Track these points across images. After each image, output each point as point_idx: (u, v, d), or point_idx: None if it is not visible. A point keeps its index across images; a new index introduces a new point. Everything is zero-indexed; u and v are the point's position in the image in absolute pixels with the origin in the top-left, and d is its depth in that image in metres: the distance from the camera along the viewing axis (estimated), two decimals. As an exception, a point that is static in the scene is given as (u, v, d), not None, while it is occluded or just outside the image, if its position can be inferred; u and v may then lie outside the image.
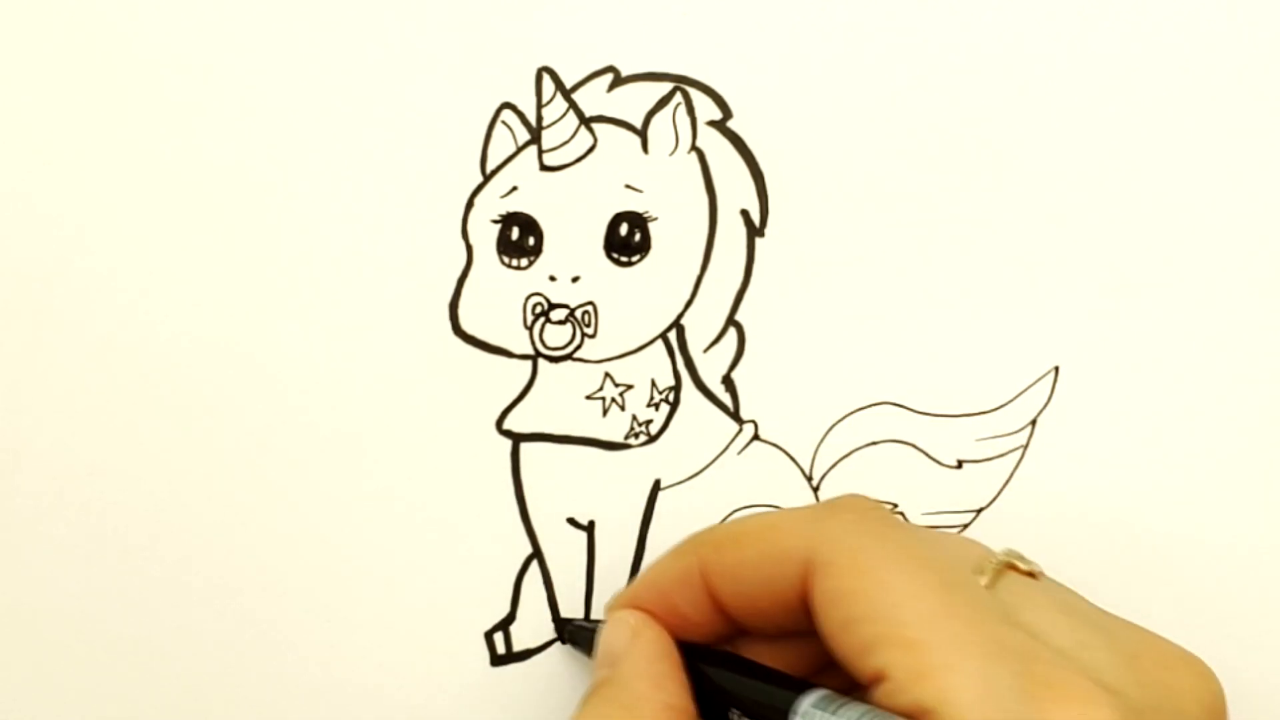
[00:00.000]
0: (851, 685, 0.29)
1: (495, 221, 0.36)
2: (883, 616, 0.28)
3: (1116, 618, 0.31)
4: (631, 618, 0.33)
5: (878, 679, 0.28)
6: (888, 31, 0.36)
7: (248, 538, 0.36)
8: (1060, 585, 0.32)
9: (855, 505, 0.32)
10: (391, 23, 0.36)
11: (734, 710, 0.31)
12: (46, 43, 0.36)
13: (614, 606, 0.34)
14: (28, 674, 0.37)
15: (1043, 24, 0.36)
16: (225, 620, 0.37)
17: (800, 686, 0.30)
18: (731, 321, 0.36)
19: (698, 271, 0.36)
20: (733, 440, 0.37)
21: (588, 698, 0.32)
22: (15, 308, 0.36)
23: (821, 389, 0.36)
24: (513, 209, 0.36)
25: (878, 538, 0.30)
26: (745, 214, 0.36)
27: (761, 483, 0.37)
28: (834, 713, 0.29)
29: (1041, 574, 0.32)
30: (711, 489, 0.37)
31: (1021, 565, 0.31)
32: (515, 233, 0.36)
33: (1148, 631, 0.31)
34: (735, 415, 0.37)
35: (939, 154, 0.36)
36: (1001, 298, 0.36)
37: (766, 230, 0.36)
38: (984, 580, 0.30)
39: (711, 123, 0.36)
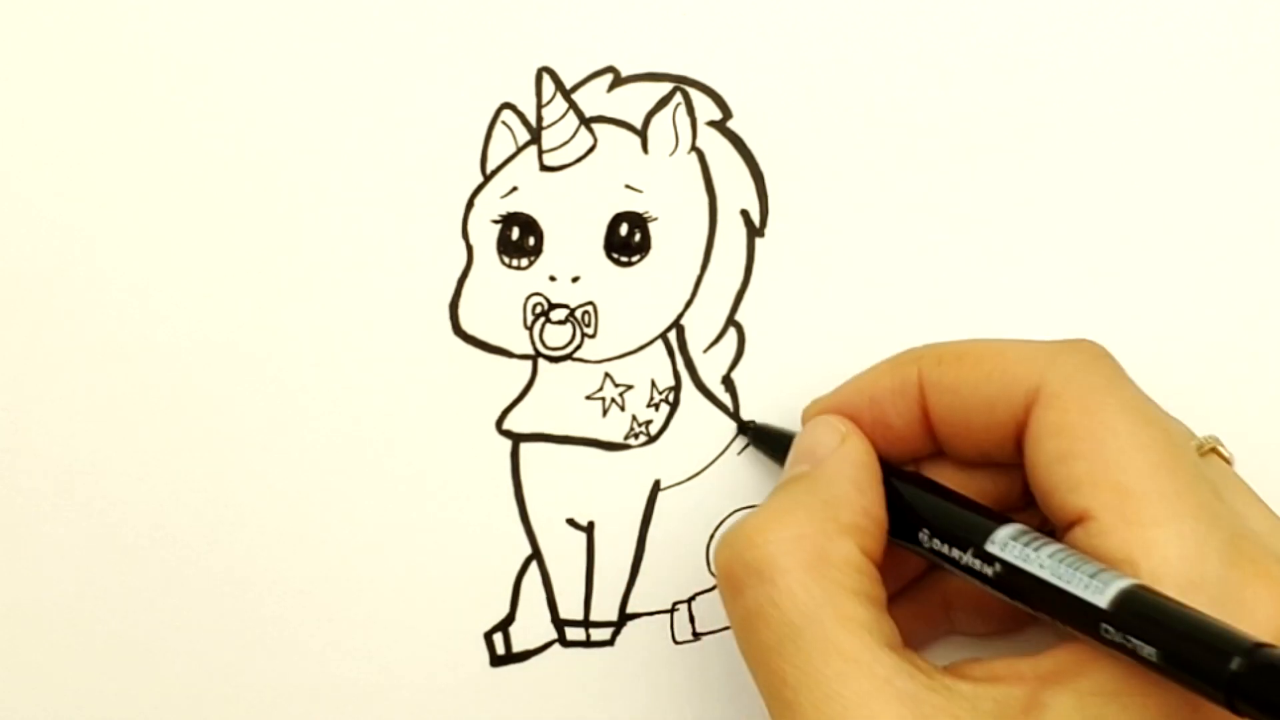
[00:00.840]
0: (1041, 527, 0.30)
1: (495, 221, 0.36)
2: (1102, 458, 0.28)
3: None
4: (840, 424, 0.33)
5: (1082, 518, 0.28)
6: (887, 31, 0.36)
7: (248, 537, 0.36)
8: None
9: (1089, 349, 0.32)
10: (392, 23, 0.36)
11: (925, 531, 0.31)
12: (47, 43, 0.36)
13: (817, 409, 0.34)
14: (28, 674, 0.37)
15: (1042, 23, 0.36)
16: (225, 620, 0.37)
17: (998, 519, 0.30)
18: (731, 321, 0.36)
19: (698, 271, 0.36)
20: (733, 440, 0.37)
21: (784, 485, 0.32)
22: (15, 308, 0.36)
23: (821, 389, 0.36)
24: (513, 209, 0.36)
25: (1109, 381, 0.30)
26: (745, 214, 0.36)
27: (762, 483, 0.37)
28: (1034, 548, 0.29)
29: (1233, 462, 0.32)
30: (711, 489, 0.37)
31: (1223, 451, 0.32)
32: (515, 233, 0.36)
33: None
34: (735, 415, 0.37)
35: (938, 154, 0.36)
36: (1001, 298, 0.36)
37: (766, 230, 0.36)
38: (1197, 451, 0.31)
39: (711, 123, 0.36)
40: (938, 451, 0.33)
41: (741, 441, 0.37)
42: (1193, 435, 0.32)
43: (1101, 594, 0.27)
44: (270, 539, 0.36)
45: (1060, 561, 0.28)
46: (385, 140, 0.36)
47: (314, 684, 0.37)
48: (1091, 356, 0.31)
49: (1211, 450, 0.32)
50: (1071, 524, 0.29)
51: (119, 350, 0.36)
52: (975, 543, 0.30)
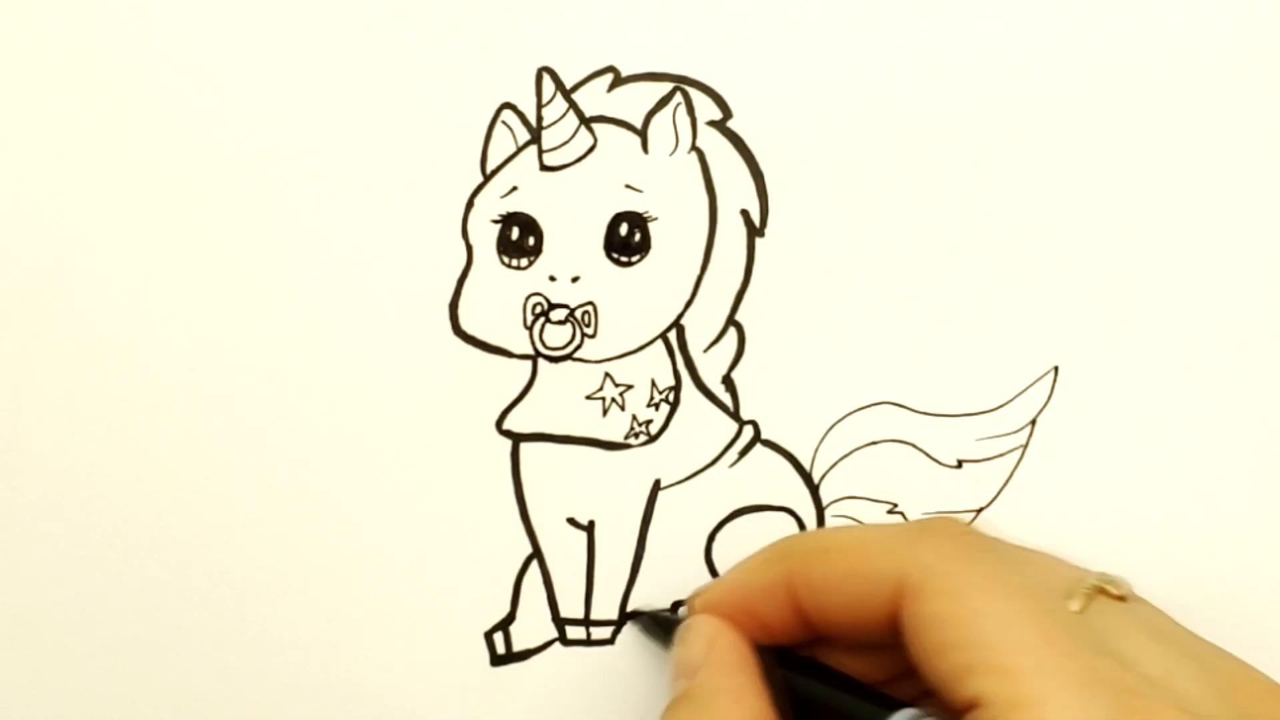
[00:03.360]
0: (923, 694, 0.30)
1: (495, 221, 0.36)
2: (978, 643, 0.29)
3: (1208, 644, 0.31)
4: (706, 625, 0.33)
5: (972, 705, 0.28)
6: (888, 32, 0.36)
7: (248, 538, 0.36)
8: (1151, 607, 0.32)
9: (948, 528, 0.32)
10: (392, 23, 0.35)
11: None
12: (48, 44, 0.36)
13: (692, 607, 0.34)
14: (28, 674, 0.37)
15: (1042, 25, 0.36)
16: (225, 620, 0.37)
17: (890, 703, 0.31)
18: (731, 321, 0.36)
19: (698, 271, 0.36)
20: (733, 440, 0.37)
21: (667, 712, 0.32)
22: (16, 308, 0.36)
23: (821, 389, 0.37)
24: (513, 209, 0.36)
25: (971, 562, 0.30)
26: (745, 214, 0.36)
27: (761, 483, 0.37)
28: None
29: (1131, 595, 0.32)
30: (711, 489, 0.37)
31: (1112, 589, 0.32)
32: (515, 233, 0.36)
33: (1239, 660, 0.31)
34: (735, 415, 0.37)
35: (939, 154, 0.36)
36: (1001, 298, 0.36)
37: (766, 230, 0.36)
38: (1075, 605, 0.31)
39: (711, 123, 0.36)
40: (818, 639, 0.33)
41: (742, 441, 0.37)
42: (1080, 577, 0.32)
43: None
44: (270, 539, 0.36)
45: None
46: (385, 140, 0.36)
47: (314, 684, 0.37)
48: (949, 537, 0.31)
49: (1100, 591, 0.31)
50: (965, 709, 0.29)
51: (119, 350, 0.36)
52: None
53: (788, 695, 0.32)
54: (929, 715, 0.30)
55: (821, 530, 0.35)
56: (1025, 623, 0.29)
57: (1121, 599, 0.32)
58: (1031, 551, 0.34)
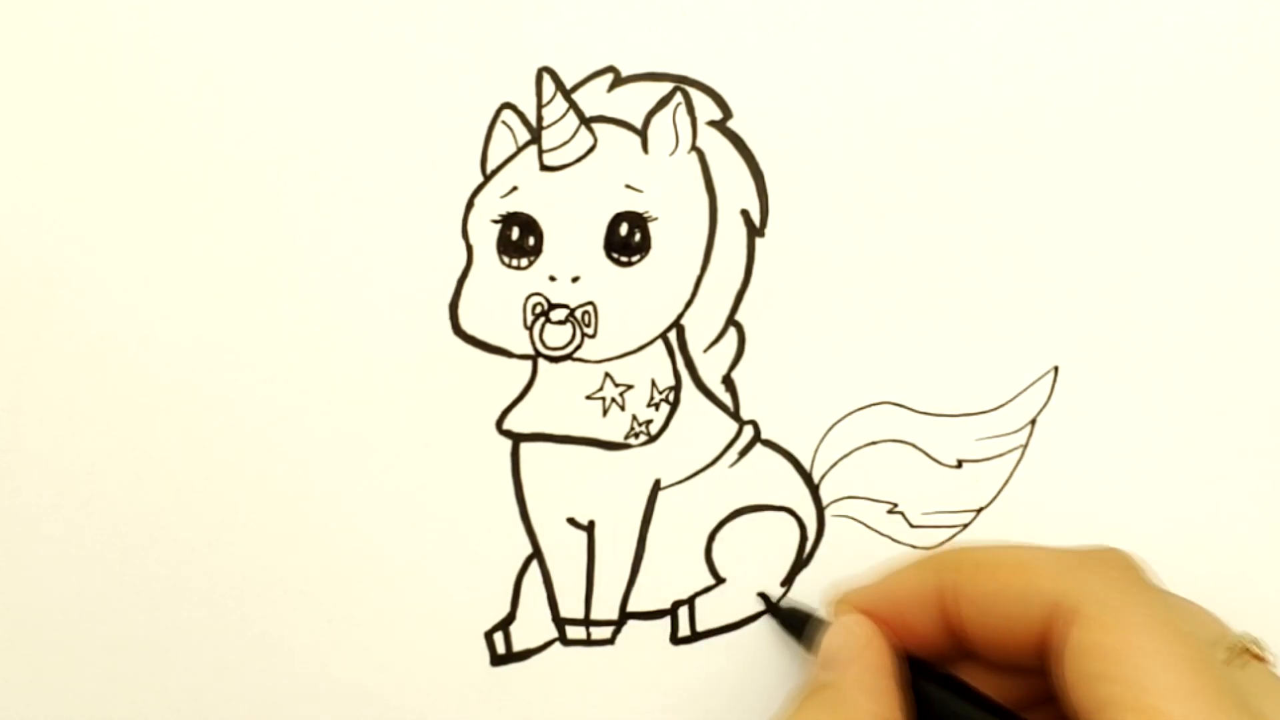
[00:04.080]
0: None
1: (495, 221, 0.36)
2: (1130, 679, 0.29)
3: None
4: (861, 627, 0.34)
5: None
6: (887, 32, 0.36)
7: (248, 538, 0.36)
8: None
9: (1112, 559, 0.32)
10: (392, 23, 0.35)
11: None
12: (48, 45, 0.36)
13: (842, 607, 0.35)
14: (28, 674, 0.37)
15: (1042, 26, 0.36)
16: (225, 620, 0.37)
17: None
18: (731, 321, 0.36)
19: (698, 271, 0.36)
20: (733, 440, 0.37)
21: (805, 699, 0.33)
22: (16, 308, 0.36)
23: (821, 389, 0.37)
24: (513, 209, 0.36)
25: (1134, 597, 0.30)
26: (745, 214, 0.36)
27: (761, 483, 0.37)
28: None
29: (1270, 660, 0.32)
30: (711, 489, 0.37)
31: (1256, 650, 0.32)
32: (515, 233, 0.36)
33: None
34: (735, 415, 0.37)
35: (939, 154, 0.36)
36: (1001, 298, 0.36)
37: (766, 230, 0.36)
38: (1222, 658, 0.31)
39: (711, 123, 0.36)
40: (963, 655, 0.34)
41: (742, 441, 0.37)
42: (1227, 634, 0.32)
43: None
44: (271, 539, 0.36)
45: None
46: (385, 140, 0.36)
47: (314, 684, 0.37)
48: (1118, 569, 0.32)
49: (1244, 651, 0.32)
50: None
51: (119, 350, 0.36)
52: None
53: (923, 707, 0.33)
54: None
55: (981, 545, 0.35)
56: (1180, 668, 0.29)
57: (1263, 660, 0.32)
58: (1184, 599, 0.34)
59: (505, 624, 0.37)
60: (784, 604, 0.37)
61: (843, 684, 0.33)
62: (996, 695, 0.33)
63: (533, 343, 0.36)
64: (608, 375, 0.36)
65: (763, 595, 0.37)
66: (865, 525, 0.37)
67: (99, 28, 0.35)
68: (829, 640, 0.34)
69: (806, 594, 0.37)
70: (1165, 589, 0.33)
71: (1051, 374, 0.37)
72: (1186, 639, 0.30)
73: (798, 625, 0.36)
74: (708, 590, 0.37)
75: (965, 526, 0.37)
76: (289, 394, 0.36)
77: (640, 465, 0.37)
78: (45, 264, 0.36)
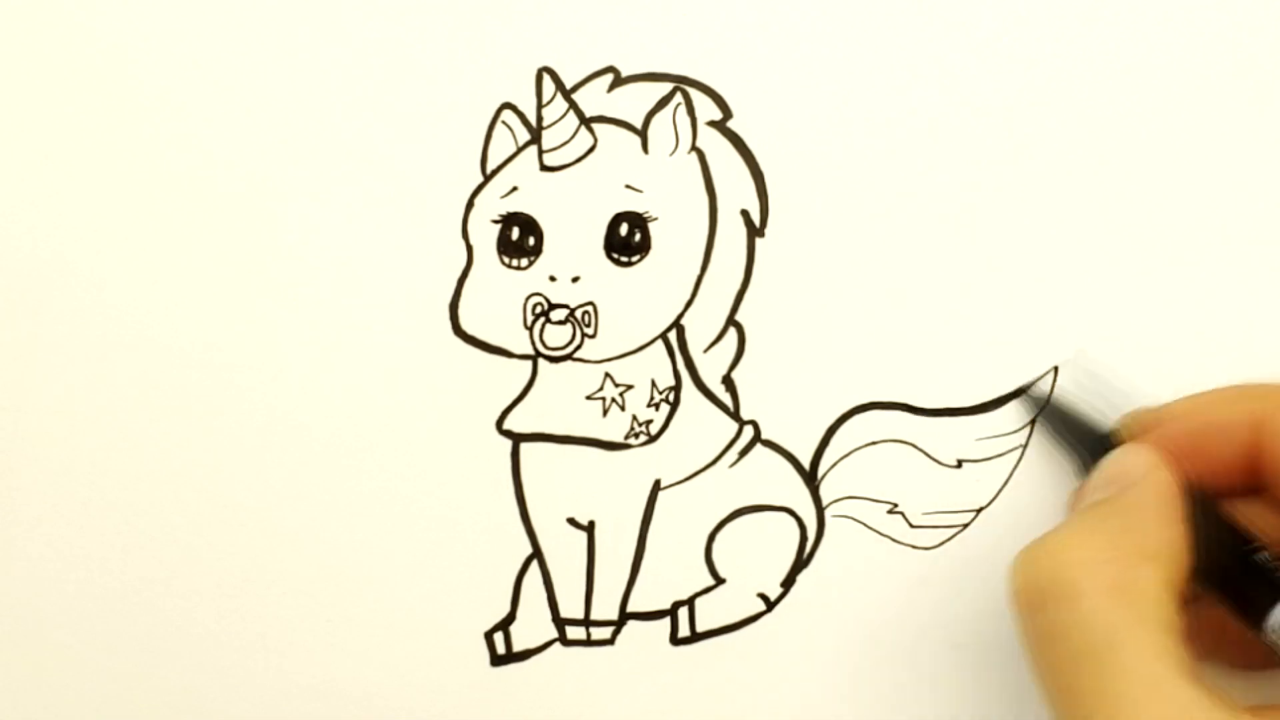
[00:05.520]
0: None
1: (495, 221, 0.36)
2: None
3: None
4: (1151, 454, 0.32)
5: None
6: (887, 32, 0.36)
7: (248, 538, 0.36)
8: None
9: None
10: (392, 23, 0.35)
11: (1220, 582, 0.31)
12: (49, 45, 0.36)
13: (1137, 427, 0.34)
14: (28, 674, 0.37)
15: (1042, 23, 0.36)
16: (226, 620, 0.37)
17: None
18: (731, 321, 0.36)
19: (698, 271, 0.36)
20: (733, 440, 0.37)
21: (1088, 509, 0.32)
22: (16, 308, 0.36)
23: (821, 389, 0.36)
24: (513, 209, 0.36)
25: None
26: (745, 214, 0.36)
27: (761, 483, 0.37)
28: None
29: None
30: (711, 489, 0.37)
31: None
32: (515, 233, 0.36)
33: None
34: (735, 415, 0.37)
35: (939, 154, 0.36)
36: (1001, 297, 0.36)
37: (766, 230, 0.36)
38: None
39: (711, 123, 0.36)
40: (1253, 489, 0.33)
41: (742, 441, 0.37)
42: None
43: None
44: (270, 539, 0.36)
45: None
46: (385, 140, 0.36)
47: (314, 684, 0.37)
48: None
49: None
50: None
51: (120, 350, 0.36)
52: (1256, 621, 0.30)
53: (1205, 547, 0.31)
54: None
55: None
56: None
57: None
58: None
59: (505, 624, 0.37)
60: (1060, 405, 0.35)
61: (1130, 500, 0.31)
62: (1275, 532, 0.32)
63: (533, 343, 0.36)
64: (608, 375, 0.36)
65: (1030, 392, 0.35)
66: (865, 525, 0.37)
67: (100, 28, 0.36)
68: (1107, 465, 0.33)
69: (807, 594, 0.37)
70: None
71: (1052, 373, 0.37)
72: None
73: (1073, 431, 0.35)
74: (708, 590, 0.37)
75: (965, 526, 0.37)
76: (289, 394, 0.36)
77: (640, 465, 0.37)
78: (46, 264, 0.36)
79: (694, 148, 0.36)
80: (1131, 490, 0.32)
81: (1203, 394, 0.34)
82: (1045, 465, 0.37)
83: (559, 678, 0.37)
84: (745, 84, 0.36)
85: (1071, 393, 0.36)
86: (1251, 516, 0.33)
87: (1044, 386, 0.36)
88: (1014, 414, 0.37)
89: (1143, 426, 0.34)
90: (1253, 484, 0.33)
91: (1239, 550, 0.32)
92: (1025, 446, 0.37)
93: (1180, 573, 0.31)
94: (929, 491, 0.37)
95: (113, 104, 0.36)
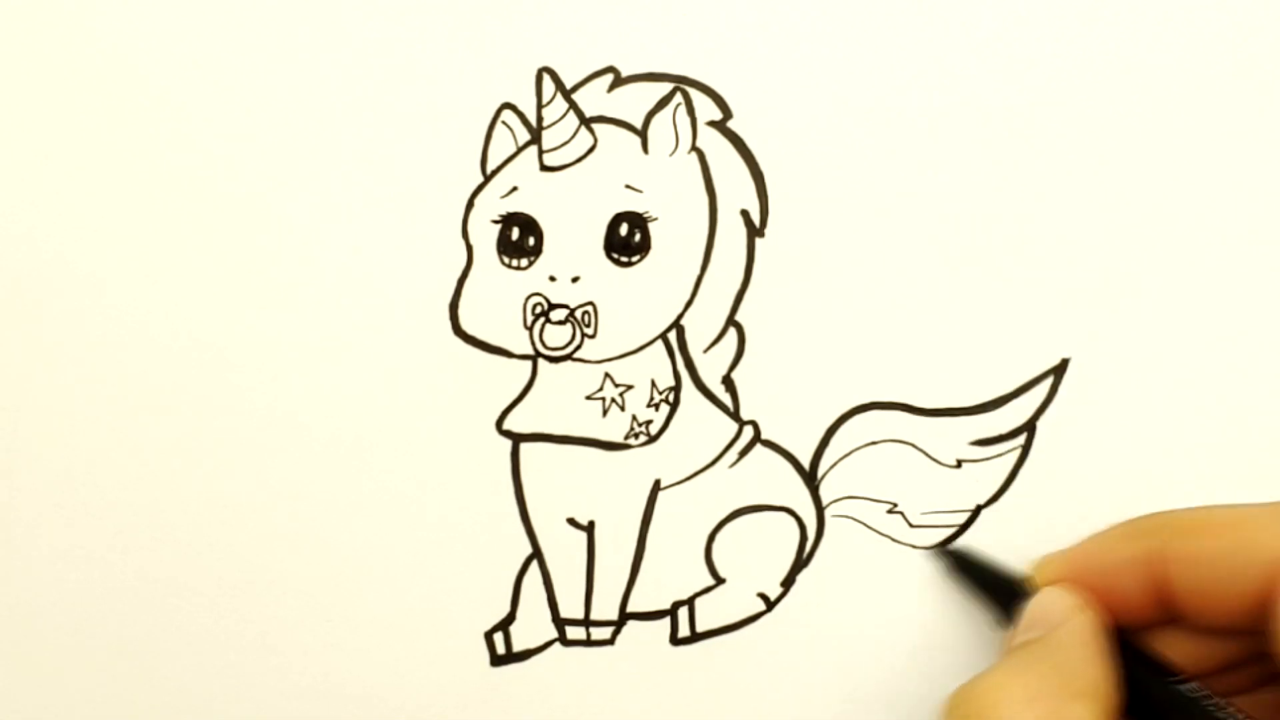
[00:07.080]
0: (1259, 683, 0.30)
1: (495, 222, 0.36)
2: None
3: None
4: (1073, 596, 0.33)
5: None
6: (887, 31, 0.36)
7: (248, 538, 0.36)
8: None
9: None
10: (392, 23, 0.35)
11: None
12: (49, 45, 0.36)
13: (1049, 572, 0.34)
14: (28, 674, 0.37)
15: (1042, 23, 0.36)
16: (225, 620, 0.37)
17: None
18: (731, 321, 0.36)
19: (698, 271, 0.36)
20: (733, 440, 0.37)
21: (1017, 649, 0.32)
22: (16, 308, 0.36)
23: (821, 389, 0.36)
24: (513, 209, 0.36)
25: None
26: (745, 214, 0.36)
27: (761, 483, 0.37)
28: None
29: None
30: (711, 489, 0.37)
31: None
32: (515, 233, 0.36)
33: None
34: (735, 415, 0.37)
35: (939, 153, 0.36)
36: (1001, 297, 0.36)
37: (766, 230, 0.36)
38: None
39: (711, 123, 0.36)
40: (1166, 620, 0.33)
41: (742, 441, 0.37)
42: None
43: None
44: (270, 539, 0.36)
45: None
46: (385, 140, 0.36)
47: (314, 684, 0.37)
48: None
49: None
50: None
51: (119, 350, 0.36)
52: None
53: (1131, 686, 0.32)
54: None
55: (1189, 508, 0.34)
56: None
57: None
58: None
59: (505, 624, 0.37)
60: (960, 551, 0.36)
61: (1057, 640, 0.32)
62: (1199, 660, 0.33)
63: (533, 343, 0.36)
64: (608, 375, 0.36)
65: (941, 547, 0.36)
66: (865, 525, 0.37)
67: (100, 28, 0.36)
68: (1033, 607, 0.33)
69: (807, 594, 0.37)
70: None
71: (1052, 374, 0.37)
72: None
73: (985, 583, 0.35)
74: (708, 590, 0.37)
75: (965, 526, 0.37)
76: (289, 394, 0.36)
77: (640, 465, 0.37)
78: (46, 264, 0.36)
79: (694, 148, 0.36)
80: (1057, 631, 0.32)
81: (1102, 533, 0.34)
82: (1045, 465, 0.37)
83: (559, 678, 0.37)
84: (745, 84, 0.36)
85: (979, 549, 0.37)
86: (1173, 646, 0.33)
87: (958, 544, 0.37)
88: (1014, 413, 0.37)
89: (1054, 571, 0.34)
90: (1165, 616, 0.33)
91: (1166, 683, 0.32)
92: (1025, 446, 0.37)
93: (1111, 708, 0.31)
94: (929, 491, 0.37)
95: (113, 104, 0.36)
